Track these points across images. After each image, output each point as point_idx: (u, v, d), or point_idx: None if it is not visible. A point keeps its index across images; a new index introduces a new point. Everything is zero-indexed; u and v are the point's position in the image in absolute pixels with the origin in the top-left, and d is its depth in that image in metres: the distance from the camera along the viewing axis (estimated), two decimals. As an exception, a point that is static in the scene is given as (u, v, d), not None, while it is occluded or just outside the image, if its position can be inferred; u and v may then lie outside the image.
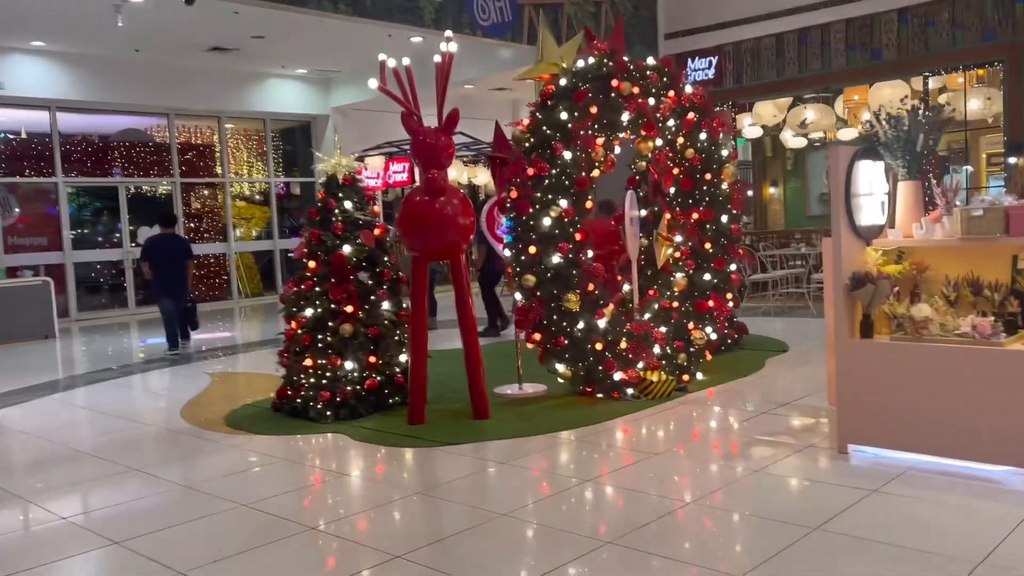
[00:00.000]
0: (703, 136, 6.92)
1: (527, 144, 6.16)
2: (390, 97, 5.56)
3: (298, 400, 6.09)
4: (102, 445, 5.77)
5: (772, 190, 16.31)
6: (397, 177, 16.78)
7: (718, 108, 8.06)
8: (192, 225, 16.09)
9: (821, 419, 5.41)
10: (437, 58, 5.60)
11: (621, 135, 6.46)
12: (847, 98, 13.36)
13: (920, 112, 4.76)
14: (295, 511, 4.23)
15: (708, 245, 6.98)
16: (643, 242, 7.10)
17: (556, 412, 5.94)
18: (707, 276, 6.93)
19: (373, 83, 5.54)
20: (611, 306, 6.20)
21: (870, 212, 4.57)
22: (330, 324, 6.08)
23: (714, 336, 6.93)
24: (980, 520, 3.60)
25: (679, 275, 6.84)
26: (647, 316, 6.63)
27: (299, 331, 6.17)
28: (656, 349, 6.35)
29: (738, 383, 6.69)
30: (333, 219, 6.25)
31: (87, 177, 14.87)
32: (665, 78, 6.67)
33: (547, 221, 6.00)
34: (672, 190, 7.02)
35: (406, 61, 5.62)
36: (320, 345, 6.07)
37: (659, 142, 6.73)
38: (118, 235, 15.12)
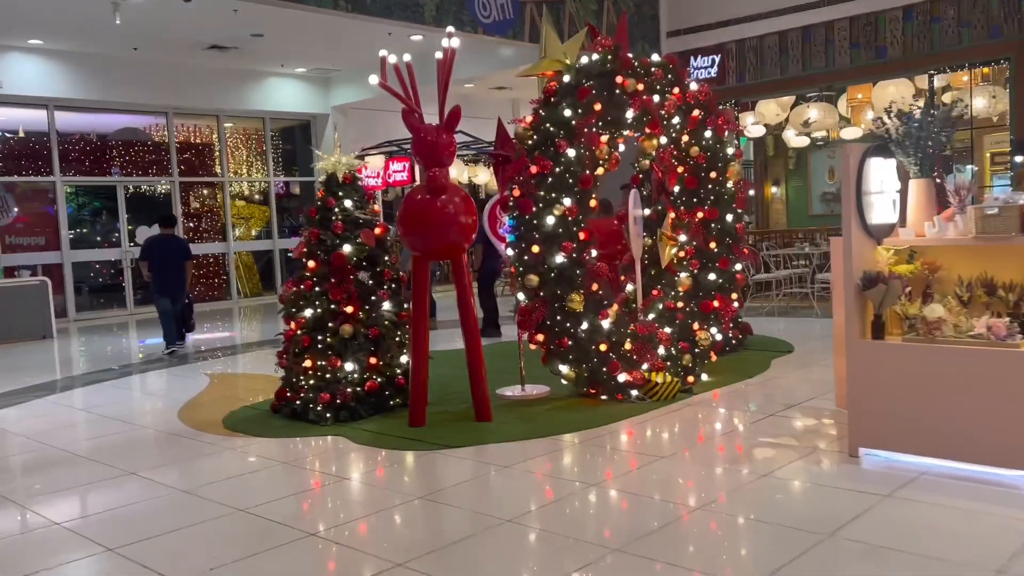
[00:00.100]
0: (708, 134, 6.82)
1: (530, 141, 6.07)
2: (391, 93, 5.47)
3: (297, 402, 6.00)
4: (98, 447, 5.68)
5: (774, 189, 16.22)
6: (397, 176, 16.70)
7: (721, 106, 7.96)
8: (191, 224, 16.00)
9: (830, 422, 5.32)
10: (439, 54, 5.51)
11: (625, 132, 6.36)
12: (850, 97, 13.26)
13: (932, 109, 4.66)
14: (294, 517, 4.13)
15: (713, 244, 6.88)
16: (647, 241, 7.00)
17: (559, 414, 5.84)
18: (712, 276, 6.84)
19: (374, 79, 5.45)
20: (615, 306, 6.10)
21: (881, 210, 4.47)
22: (330, 325, 5.99)
23: (719, 337, 6.84)
24: (997, 526, 3.50)
25: (683, 275, 6.75)
26: (651, 316, 6.54)
27: (298, 332, 6.08)
28: (661, 350, 6.25)
29: (744, 384, 6.60)
30: (333, 218, 6.15)
31: (85, 176, 14.79)
32: (670, 75, 6.57)
33: (550, 220, 5.91)
34: (676, 188, 6.92)
35: (407, 57, 5.53)
36: (320, 346, 5.97)
37: (663, 140, 6.64)
38: (116, 235, 15.03)
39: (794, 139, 14.08)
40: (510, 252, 6.16)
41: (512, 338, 8.72)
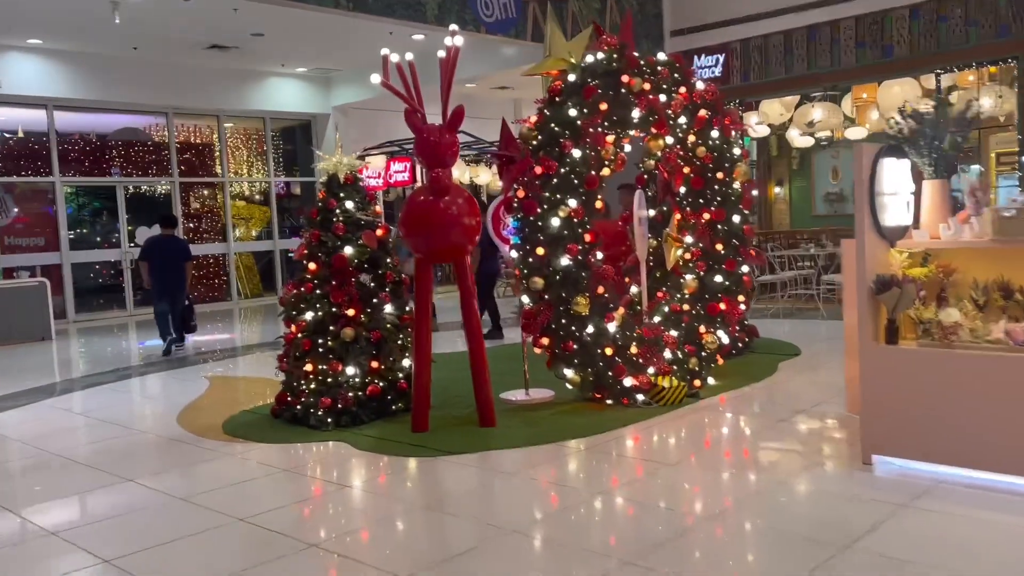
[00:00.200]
0: (715, 134, 6.73)
1: (535, 142, 5.97)
2: (393, 93, 5.37)
3: (298, 407, 5.90)
4: (95, 453, 5.58)
5: (777, 190, 16.11)
6: (398, 177, 16.60)
7: (726, 106, 7.87)
8: (191, 225, 15.91)
9: (841, 427, 5.21)
10: (441, 53, 5.41)
11: (631, 132, 6.25)
12: (855, 96, 13.14)
13: (945, 108, 4.57)
14: (294, 526, 4.03)
15: (719, 246, 6.78)
16: (651, 243, 6.90)
17: (565, 419, 5.74)
18: (718, 278, 6.75)
19: (376, 78, 5.36)
20: (621, 309, 6.00)
21: (895, 212, 4.37)
22: (331, 328, 5.89)
23: (726, 340, 6.74)
24: (1019, 538, 3.40)
25: (689, 277, 6.65)
26: (657, 319, 6.43)
27: (299, 335, 5.98)
28: (667, 354, 6.15)
29: (751, 388, 6.50)
30: (334, 219, 6.05)
31: (85, 177, 14.70)
32: (676, 74, 6.48)
33: (556, 222, 5.81)
34: (682, 189, 6.82)
35: (409, 56, 5.43)
36: (321, 350, 5.87)
37: (670, 140, 6.54)
38: (116, 235, 14.94)
39: (798, 139, 13.97)
40: (514, 254, 6.06)
41: (513, 340, 8.63)
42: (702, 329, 6.54)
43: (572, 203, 5.83)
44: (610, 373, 5.87)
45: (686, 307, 6.59)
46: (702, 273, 6.70)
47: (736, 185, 6.88)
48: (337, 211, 6.08)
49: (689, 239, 6.70)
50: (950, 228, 4.36)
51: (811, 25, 12.57)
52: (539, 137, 5.97)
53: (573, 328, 5.85)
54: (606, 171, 6.14)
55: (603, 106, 5.94)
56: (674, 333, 6.33)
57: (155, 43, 13.14)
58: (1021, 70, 11.10)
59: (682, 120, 6.52)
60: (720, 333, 6.64)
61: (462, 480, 4.70)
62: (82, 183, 14.79)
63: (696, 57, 13.66)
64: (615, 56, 6.02)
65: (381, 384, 5.93)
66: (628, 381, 5.88)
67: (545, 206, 5.83)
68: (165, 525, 4.11)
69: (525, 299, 5.99)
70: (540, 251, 5.84)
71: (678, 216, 6.74)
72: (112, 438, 5.98)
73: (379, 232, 6.13)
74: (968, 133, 4.60)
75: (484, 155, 17.18)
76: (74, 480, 5.01)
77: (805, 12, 12.59)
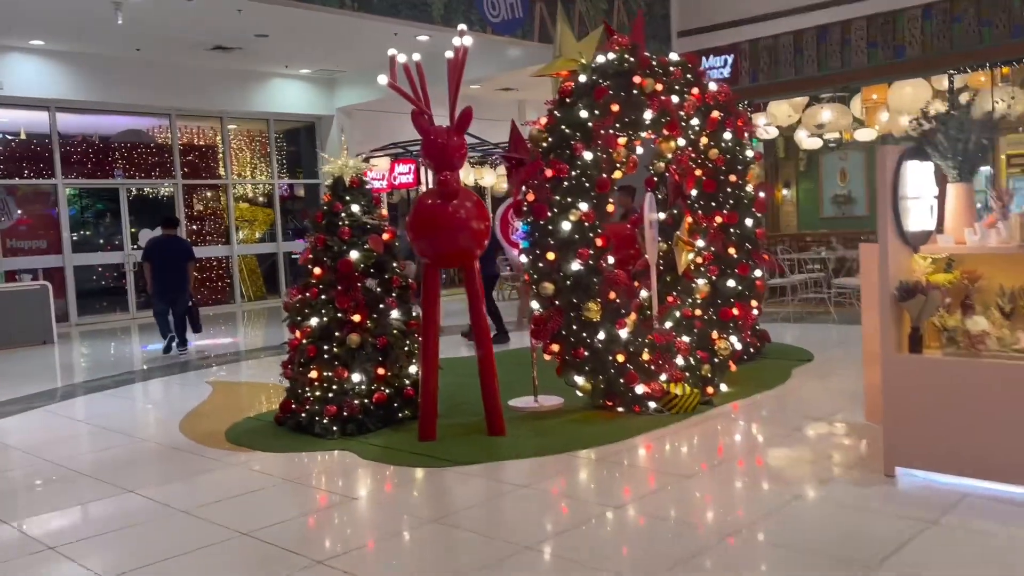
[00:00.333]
0: (728, 136, 6.59)
1: (545, 144, 5.84)
2: (400, 94, 5.25)
3: (303, 414, 5.77)
4: (96, 462, 5.46)
5: (785, 192, 15.96)
6: (403, 179, 16.50)
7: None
8: (194, 227, 15.79)
9: (860, 437, 5.07)
10: (449, 54, 5.28)
11: (643, 134, 6.12)
12: (865, 98, 12.99)
13: (967, 110, 4.43)
14: (299, 541, 3.90)
15: (732, 250, 6.65)
16: (662, 247, 6.77)
17: (575, 428, 5.60)
18: (731, 283, 6.61)
19: (383, 79, 5.23)
20: (633, 315, 5.86)
21: (918, 216, 4.24)
22: (336, 334, 5.76)
23: (739, 346, 6.60)
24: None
25: (701, 282, 6.51)
26: (668, 325, 6.30)
27: (304, 341, 5.86)
28: (679, 360, 6.01)
29: (764, 396, 6.35)
30: (340, 223, 5.93)
31: (87, 179, 14.59)
32: (689, 74, 6.35)
33: (566, 226, 5.67)
34: (694, 192, 6.69)
35: (416, 57, 5.31)
36: (326, 356, 5.75)
37: (681, 142, 6.40)
38: (119, 238, 14.83)
39: (806, 140, 13.83)
40: (523, 259, 5.93)
41: (519, 345, 8.50)
42: (715, 335, 6.40)
43: (583, 207, 5.70)
44: (621, 380, 5.74)
45: (698, 312, 6.45)
46: (715, 277, 6.57)
47: (749, 188, 6.74)
48: (343, 215, 5.96)
49: (701, 243, 6.56)
50: (976, 233, 4.22)
51: (822, 25, 12.42)
52: (549, 139, 5.84)
53: (584, 334, 5.71)
54: (618, 174, 6.00)
55: (615, 107, 5.80)
56: (686, 339, 6.19)
57: (158, 44, 13.04)
58: (1034, 71, 10.97)
59: (694, 122, 6.38)
60: (733, 339, 6.50)
61: (471, 493, 4.57)
62: (85, 185, 14.69)
63: (705, 58, 13.51)
64: (627, 56, 5.89)
65: (387, 391, 5.81)
66: (640, 388, 5.75)
67: (555, 210, 5.70)
68: (166, 539, 3.99)
69: (535, 304, 5.85)
70: (550, 256, 5.71)
71: (689, 219, 6.61)
72: (113, 446, 5.86)
73: (385, 236, 6.01)
74: (995, 136, 4.46)
75: (489, 157, 17.07)
76: (74, 491, 4.88)
77: (815, 12, 12.43)
